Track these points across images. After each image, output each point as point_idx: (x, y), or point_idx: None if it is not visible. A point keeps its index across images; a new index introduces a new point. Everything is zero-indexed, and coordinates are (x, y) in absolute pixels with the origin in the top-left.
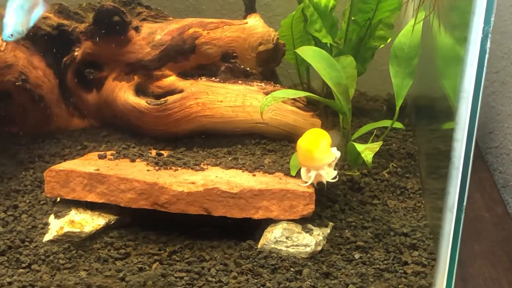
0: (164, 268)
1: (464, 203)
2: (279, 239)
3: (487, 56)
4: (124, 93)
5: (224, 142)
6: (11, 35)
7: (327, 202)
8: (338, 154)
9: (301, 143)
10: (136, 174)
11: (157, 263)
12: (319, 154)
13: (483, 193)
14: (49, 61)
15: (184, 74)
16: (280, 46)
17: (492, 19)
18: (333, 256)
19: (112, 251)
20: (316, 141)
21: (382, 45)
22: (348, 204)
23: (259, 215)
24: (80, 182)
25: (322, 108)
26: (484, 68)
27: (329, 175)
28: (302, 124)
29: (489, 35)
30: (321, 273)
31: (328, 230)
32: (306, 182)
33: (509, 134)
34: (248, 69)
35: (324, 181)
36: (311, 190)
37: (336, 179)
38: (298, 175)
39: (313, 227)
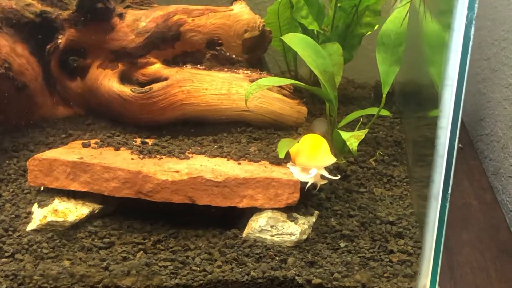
0: (149, 257)
1: (449, 191)
2: (264, 228)
3: (471, 43)
4: (109, 81)
5: (210, 130)
6: None
7: (313, 190)
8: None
9: (302, 146)
10: (120, 163)
11: (142, 252)
12: (322, 154)
13: (472, 181)
14: (33, 49)
15: (169, 62)
16: (266, 33)
17: (476, 5)
18: (318, 244)
19: (96, 240)
20: (318, 143)
21: (369, 32)
22: (334, 193)
23: (244, 203)
24: (63, 171)
25: (309, 96)
26: (468, 55)
27: (325, 174)
28: (288, 112)
29: (473, 22)
30: (306, 262)
31: (313, 219)
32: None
33: (499, 121)
34: (233, 56)
35: (319, 184)
36: (296, 178)
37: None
38: (283, 163)
39: (298, 216)
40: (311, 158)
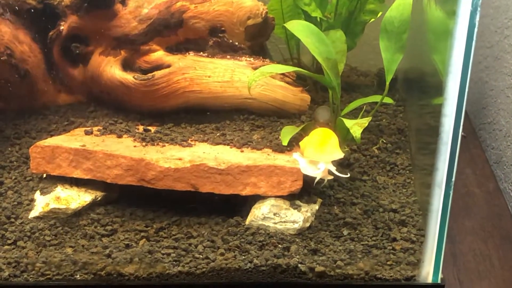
0: (151, 244)
1: (453, 179)
2: (267, 216)
3: (476, 30)
4: (111, 68)
5: (212, 117)
6: None
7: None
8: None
9: (311, 138)
10: (123, 150)
11: (144, 239)
12: (330, 148)
13: (475, 169)
14: (35, 36)
15: (172, 49)
16: (269, 20)
17: None
18: (321, 232)
19: (98, 227)
20: (327, 137)
21: (373, 19)
22: (337, 180)
23: (246, 191)
24: (66, 158)
25: (312, 83)
26: (473, 43)
27: (332, 169)
28: (292, 100)
29: (478, 9)
30: (309, 250)
31: (316, 207)
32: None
33: (502, 110)
34: (236, 43)
35: (326, 178)
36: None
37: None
38: (286, 150)
39: (301, 204)
40: (318, 152)
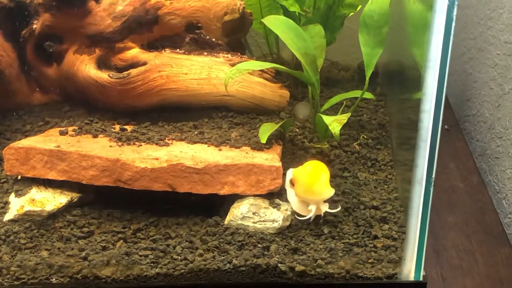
0: (129, 246)
1: (433, 176)
2: (246, 215)
3: (453, 24)
4: (86, 67)
5: (190, 115)
6: None
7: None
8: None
9: (301, 175)
10: (98, 151)
11: (121, 241)
12: (319, 188)
13: (458, 163)
14: (7, 35)
15: (148, 46)
16: (246, 15)
17: None
18: (301, 231)
19: (74, 229)
20: (316, 175)
21: (352, 13)
22: None
23: (225, 190)
24: (40, 160)
25: (291, 79)
26: (451, 37)
27: (325, 208)
28: (270, 96)
29: (456, 2)
30: (289, 249)
31: None
32: (303, 216)
33: (486, 102)
34: (213, 40)
35: (322, 213)
36: (278, 164)
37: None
38: (265, 148)
39: (281, 202)
40: (308, 192)
